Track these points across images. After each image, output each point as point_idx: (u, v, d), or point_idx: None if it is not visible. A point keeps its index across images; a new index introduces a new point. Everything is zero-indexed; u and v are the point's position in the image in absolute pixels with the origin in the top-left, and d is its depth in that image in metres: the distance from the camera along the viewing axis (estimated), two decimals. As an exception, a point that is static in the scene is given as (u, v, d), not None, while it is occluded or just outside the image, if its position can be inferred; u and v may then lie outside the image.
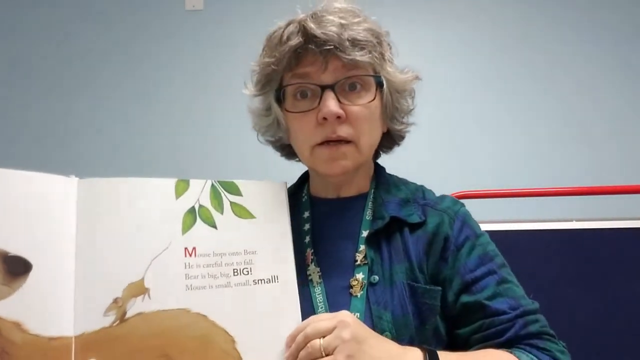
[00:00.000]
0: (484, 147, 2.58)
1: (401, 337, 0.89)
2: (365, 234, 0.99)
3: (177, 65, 2.80)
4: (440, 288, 0.94)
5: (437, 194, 1.24)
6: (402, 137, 1.10)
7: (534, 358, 0.88)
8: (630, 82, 2.63)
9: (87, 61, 2.81)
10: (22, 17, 2.86)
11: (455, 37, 2.71)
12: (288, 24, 0.96)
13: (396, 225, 0.99)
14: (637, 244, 1.62)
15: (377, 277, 0.94)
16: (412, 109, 1.07)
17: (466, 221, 1.01)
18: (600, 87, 2.63)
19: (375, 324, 0.90)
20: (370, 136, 0.99)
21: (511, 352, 0.88)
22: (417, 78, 1.05)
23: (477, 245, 0.98)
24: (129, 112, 2.79)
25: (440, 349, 0.87)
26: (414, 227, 0.99)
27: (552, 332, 0.93)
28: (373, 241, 0.98)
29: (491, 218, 1.83)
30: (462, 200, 1.85)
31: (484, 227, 1.74)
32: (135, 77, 2.81)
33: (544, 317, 0.94)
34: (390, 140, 1.10)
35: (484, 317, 0.92)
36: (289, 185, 1.05)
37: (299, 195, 1.12)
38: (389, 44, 1.03)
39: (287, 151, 1.11)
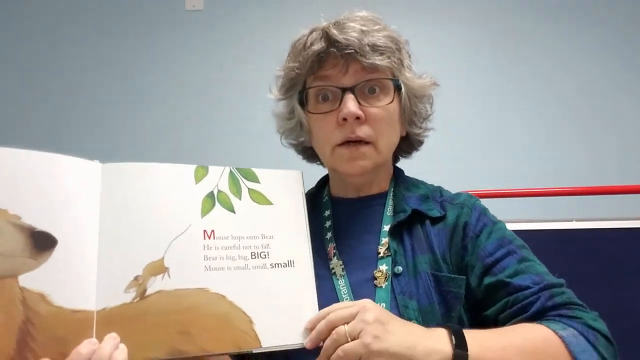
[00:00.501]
0: (484, 147, 2.61)
1: (428, 326, 0.90)
2: (387, 228, 1.02)
3: (177, 65, 2.81)
4: (464, 277, 0.96)
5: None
6: (421, 142, 1.14)
7: (565, 325, 0.87)
8: (632, 82, 2.66)
9: (86, 61, 2.80)
10: (20, 16, 2.85)
11: (457, 37, 2.74)
12: (311, 31, 1.02)
13: (417, 218, 1.02)
14: (637, 244, 1.64)
15: (400, 268, 0.96)
16: (430, 114, 1.12)
17: (483, 212, 1.04)
18: (602, 87, 2.66)
19: (401, 313, 0.92)
20: (389, 137, 1.03)
21: (540, 323, 0.88)
22: (435, 84, 1.09)
23: (494, 230, 1.00)
24: (129, 112, 2.79)
25: None
26: (435, 221, 1.02)
27: (581, 302, 0.93)
28: (396, 233, 1.01)
29: (491, 219, 1.85)
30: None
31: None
32: (135, 77, 2.81)
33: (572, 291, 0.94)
34: (409, 144, 1.14)
35: (507, 295, 0.93)
36: (309, 189, 1.10)
37: (319, 196, 1.14)
38: (408, 52, 1.07)
39: (309, 154, 1.16)
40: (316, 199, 1.13)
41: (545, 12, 2.73)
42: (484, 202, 1.68)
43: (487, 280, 0.95)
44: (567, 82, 2.67)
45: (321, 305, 0.88)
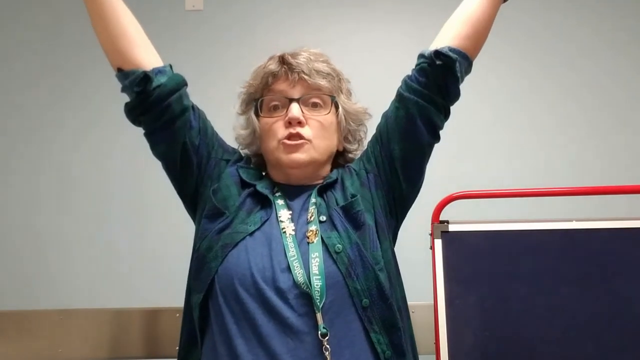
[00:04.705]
0: (485, 146, 2.58)
1: (351, 242, 1.16)
2: (314, 195, 1.27)
3: (176, 65, 2.78)
4: (358, 196, 1.24)
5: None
6: (353, 159, 1.41)
7: None
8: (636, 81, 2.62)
9: (85, 60, 2.79)
10: (20, 14, 2.85)
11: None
12: (270, 58, 1.33)
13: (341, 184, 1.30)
14: (637, 244, 1.62)
15: (324, 217, 1.21)
16: (362, 139, 1.41)
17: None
18: (606, 86, 2.61)
19: (332, 253, 1.14)
20: (324, 140, 1.29)
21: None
22: (367, 113, 1.39)
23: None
24: (128, 111, 2.78)
25: (387, 233, 1.24)
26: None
27: None
28: (322, 192, 1.28)
29: (490, 218, 1.83)
30: (462, 201, 1.86)
31: (485, 226, 1.75)
32: (135, 77, 2.80)
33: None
34: (344, 159, 1.41)
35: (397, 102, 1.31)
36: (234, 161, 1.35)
37: (258, 172, 1.36)
38: (347, 87, 1.37)
39: (258, 161, 1.40)
40: (253, 170, 1.35)
41: (553, 8, 2.68)
42: (483, 202, 1.67)
43: (382, 131, 1.31)
44: (569, 80, 2.62)
45: (270, 255, 1.13)
